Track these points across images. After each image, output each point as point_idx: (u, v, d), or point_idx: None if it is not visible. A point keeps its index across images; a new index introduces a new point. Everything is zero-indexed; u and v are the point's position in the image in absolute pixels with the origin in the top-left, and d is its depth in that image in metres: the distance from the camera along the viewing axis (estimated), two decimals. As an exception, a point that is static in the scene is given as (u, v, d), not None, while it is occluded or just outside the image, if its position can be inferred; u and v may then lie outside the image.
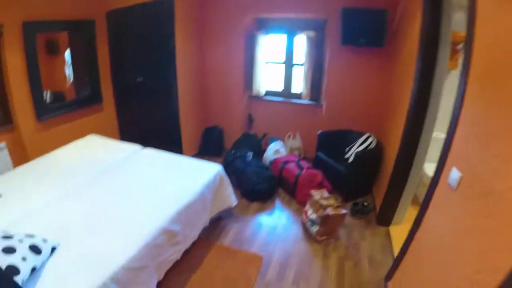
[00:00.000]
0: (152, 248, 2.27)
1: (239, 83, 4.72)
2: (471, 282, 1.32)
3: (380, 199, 3.35)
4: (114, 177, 2.99)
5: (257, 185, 3.72)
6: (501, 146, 1.25)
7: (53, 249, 2.03)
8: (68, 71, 3.99)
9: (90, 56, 4.05)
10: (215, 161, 3.41)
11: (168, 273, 2.51)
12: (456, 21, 2.50)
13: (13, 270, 1.68)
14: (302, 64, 4.38)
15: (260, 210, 3.64)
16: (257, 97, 4.77)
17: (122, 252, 2.07)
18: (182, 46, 4.21)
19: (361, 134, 3.89)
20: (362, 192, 3.83)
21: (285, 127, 4.74)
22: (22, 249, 1.83)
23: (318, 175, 3.66)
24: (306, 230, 3.25)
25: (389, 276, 2.46)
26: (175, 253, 2.55)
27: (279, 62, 4.65)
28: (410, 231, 2.15)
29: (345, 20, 3.65)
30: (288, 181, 3.86)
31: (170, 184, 2.87)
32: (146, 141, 3.87)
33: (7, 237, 1.91)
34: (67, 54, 3.92)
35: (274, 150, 4.45)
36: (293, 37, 4.38)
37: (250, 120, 4.95)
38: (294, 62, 4.54)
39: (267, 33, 4.40)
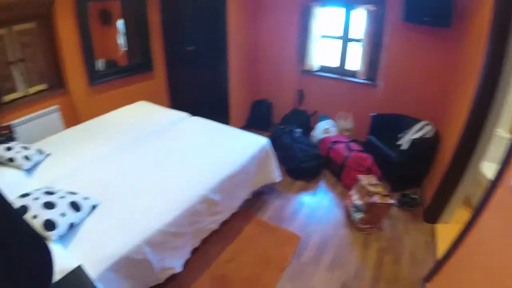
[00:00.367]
0: (191, 215, 2.32)
1: (292, 56, 4.58)
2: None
3: (430, 193, 3.13)
4: (160, 142, 3.07)
5: (303, 163, 3.66)
6: None
7: (93, 207, 2.14)
8: (121, 40, 4.09)
9: (142, 25, 4.11)
10: (262, 134, 3.37)
11: (204, 241, 2.58)
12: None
13: (50, 224, 1.80)
14: (359, 40, 4.11)
15: (303, 189, 3.60)
16: (310, 72, 4.60)
17: (160, 216, 2.14)
18: (234, 15, 4.13)
19: (417, 121, 3.60)
20: (411, 183, 3.59)
21: (336, 106, 4.54)
22: (62, 205, 1.95)
23: (368, 159, 3.50)
24: (348, 215, 3.16)
25: (428, 277, 2.33)
26: (213, 223, 2.60)
27: (335, 36, 4.40)
28: (459, 233, 1.99)
29: (409, -6, 3.31)
30: (335, 162, 3.74)
31: (215, 153, 2.89)
32: (194, 110, 3.92)
33: (50, 193, 2.04)
34: (120, 23, 4.00)
35: (324, 129, 4.31)
36: (351, 10, 4.10)
37: (300, 95, 4.81)
38: (351, 37, 4.27)
39: (323, 5, 4.15)
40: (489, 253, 1.61)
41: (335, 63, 4.52)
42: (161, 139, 3.13)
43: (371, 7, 3.78)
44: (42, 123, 3.32)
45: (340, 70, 4.47)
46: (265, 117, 4.98)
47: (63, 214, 1.90)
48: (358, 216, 2.98)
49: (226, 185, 2.65)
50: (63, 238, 1.90)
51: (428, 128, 3.41)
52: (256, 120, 4.98)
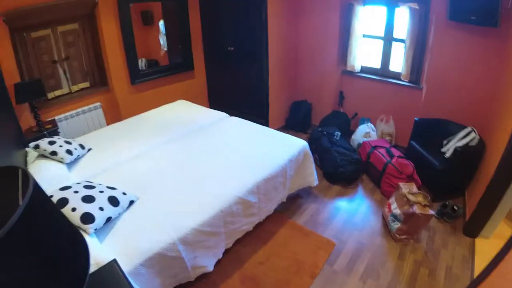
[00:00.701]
0: (226, 216, 2.30)
1: (332, 56, 4.46)
2: None
3: (472, 205, 2.89)
4: (198, 141, 3.09)
5: (341, 167, 3.54)
6: None
7: (131, 203, 2.17)
8: (162, 41, 4.17)
9: (182, 25, 4.17)
10: (300, 136, 3.31)
11: (237, 242, 2.55)
12: None
13: (88, 217, 1.83)
14: (402, 40, 3.92)
15: (341, 194, 3.47)
16: (351, 73, 4.45)
17: (195, 215, 2.14)
18: (275, 16, 4.09)
19: (462, 127, 3.35)
20: (453, 193, 3.36)
21: (378, 109, 4.35)
22: (101, 200, 1.99)
23: (409, 166, 3.31)
24: (385, 224, 3.01)
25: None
26: (248, 224, 2.58)
27: (377, 36, 4.24)
28: (501, 249, 1.79)
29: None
30: (375, 168, 3.58)
31: (252, 154, 2.87)
32: (233, 110, 3.92)
33: (90, 187, 2.08)
34: (161, 24, 4.08)
35: (364, 133, 4.16)
36: (394, 9, 3.92)
37: (341, 97, 4.67)
38: (393, 37, 4.09)
39: (365, 3, 4.01)
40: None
41: (377, 64, 4.35)
42: (200, 139, 3.14)
43: (415, 5, 3.59)
44: (84, 119, 3.45)
45: (383, 72, 4.30)
46: (304, 118, 4.88)
47: (101, 208, 1.94)
48: (395, 225, 2.82)
49: (263, 187, 2.61)
50: (100, 232, 1.93)
51: (473, 135, 3.17)
52: (295, 121, 4.90)
